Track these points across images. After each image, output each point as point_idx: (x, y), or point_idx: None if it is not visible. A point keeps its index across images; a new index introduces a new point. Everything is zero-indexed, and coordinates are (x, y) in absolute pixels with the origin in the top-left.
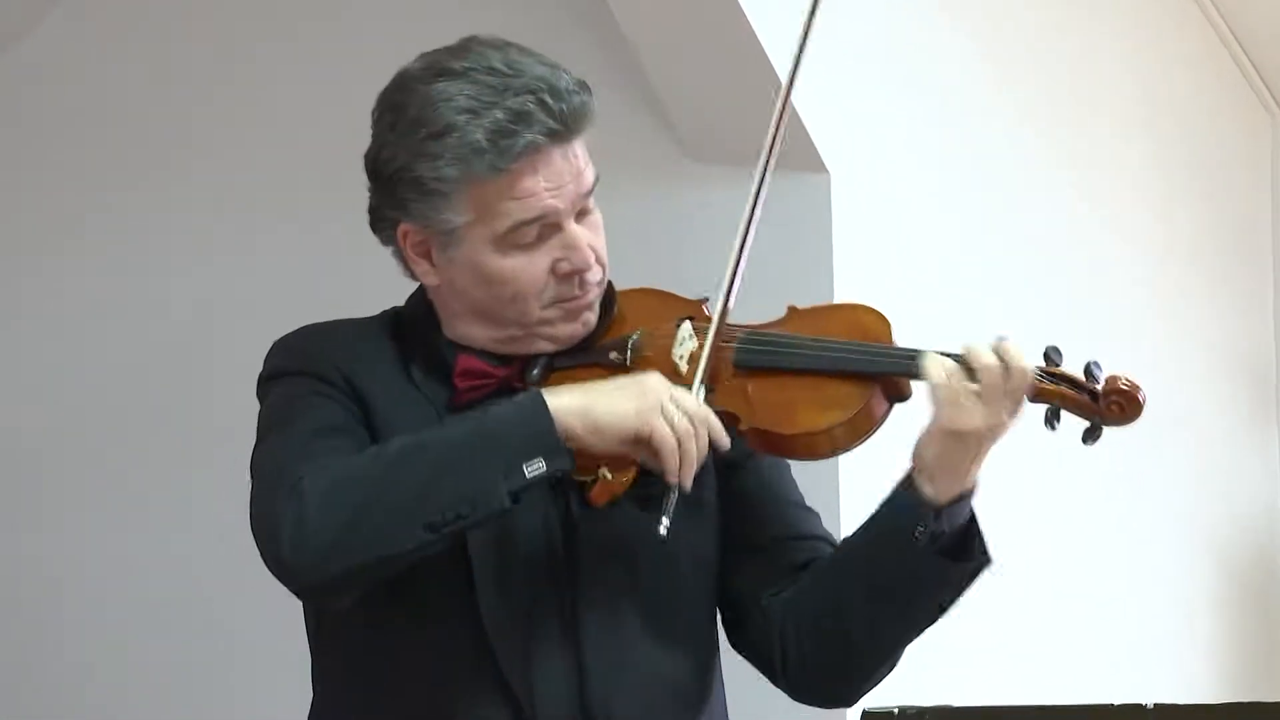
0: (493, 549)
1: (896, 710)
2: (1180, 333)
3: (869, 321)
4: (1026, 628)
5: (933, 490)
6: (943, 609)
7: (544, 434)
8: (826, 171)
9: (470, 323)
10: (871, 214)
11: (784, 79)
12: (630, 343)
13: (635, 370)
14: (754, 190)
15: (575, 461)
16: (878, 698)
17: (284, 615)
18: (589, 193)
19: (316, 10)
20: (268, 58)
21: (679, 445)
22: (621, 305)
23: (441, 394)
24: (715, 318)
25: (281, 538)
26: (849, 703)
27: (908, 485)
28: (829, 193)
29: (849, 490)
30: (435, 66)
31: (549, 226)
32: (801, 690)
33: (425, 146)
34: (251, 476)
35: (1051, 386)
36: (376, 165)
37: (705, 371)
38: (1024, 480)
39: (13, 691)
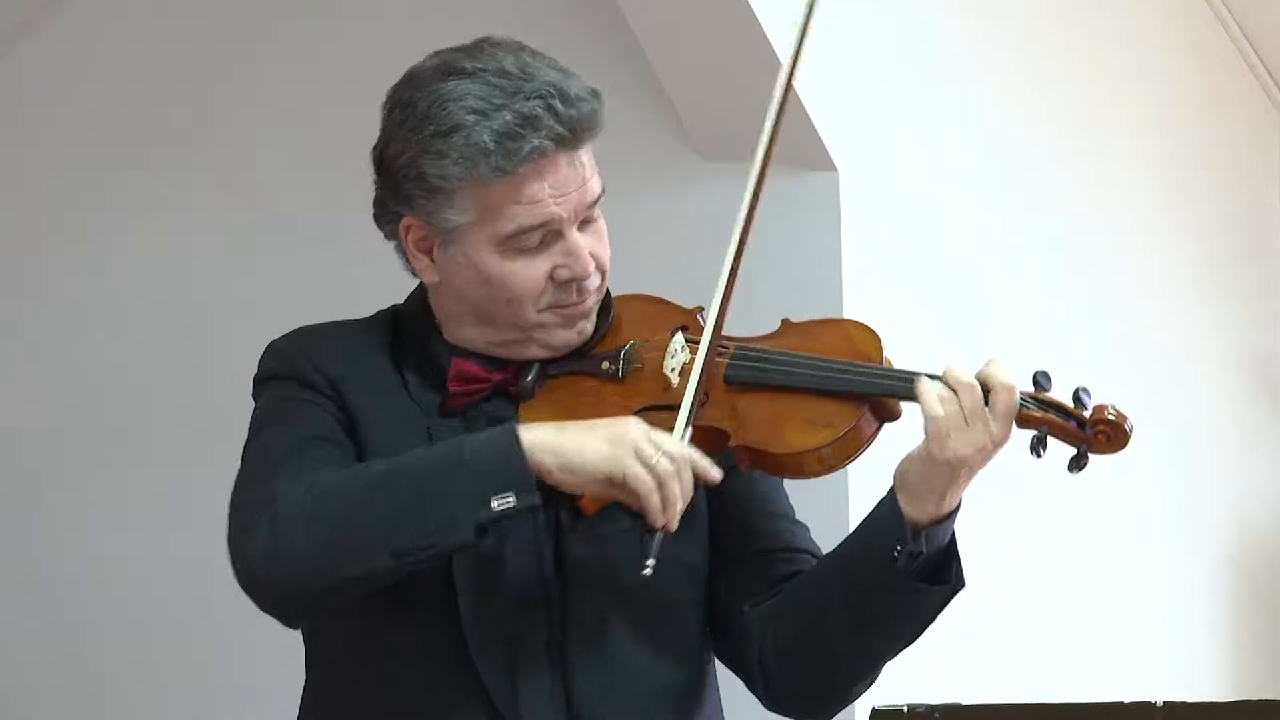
0: (476, 557)
1: (905, 708)
2: (1190, 331)
3: (860, 338)
4: (1036, 626)
5: (914, 510)
6: (918, 630)
7: (516, 470)
8: (835, 170)
9: (467, 323)
10: (881, 212)
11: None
12: (623, 353)
13: (627, 381)
14: (743, 212)
15: (544, 497)
16: (885, 695)
17: None
18: (594, 202)
19: (317, 10)
20: (268, 58)
21: (660, 487)
22: (618, 312)
23: (433, 399)
24: (705, 337)
25: (251, 553)
26: (825, 717)
27: (890, 504)
28: (838, 191)
29: (858, 505)
30: (447, 65)
31: (551, 233)
32: (777, 702)
33: (432, 144)
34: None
35: (1038, 413)
36: (384, 159)
37: (694, 400)
38: (1032, 479)
39: (13, 691)
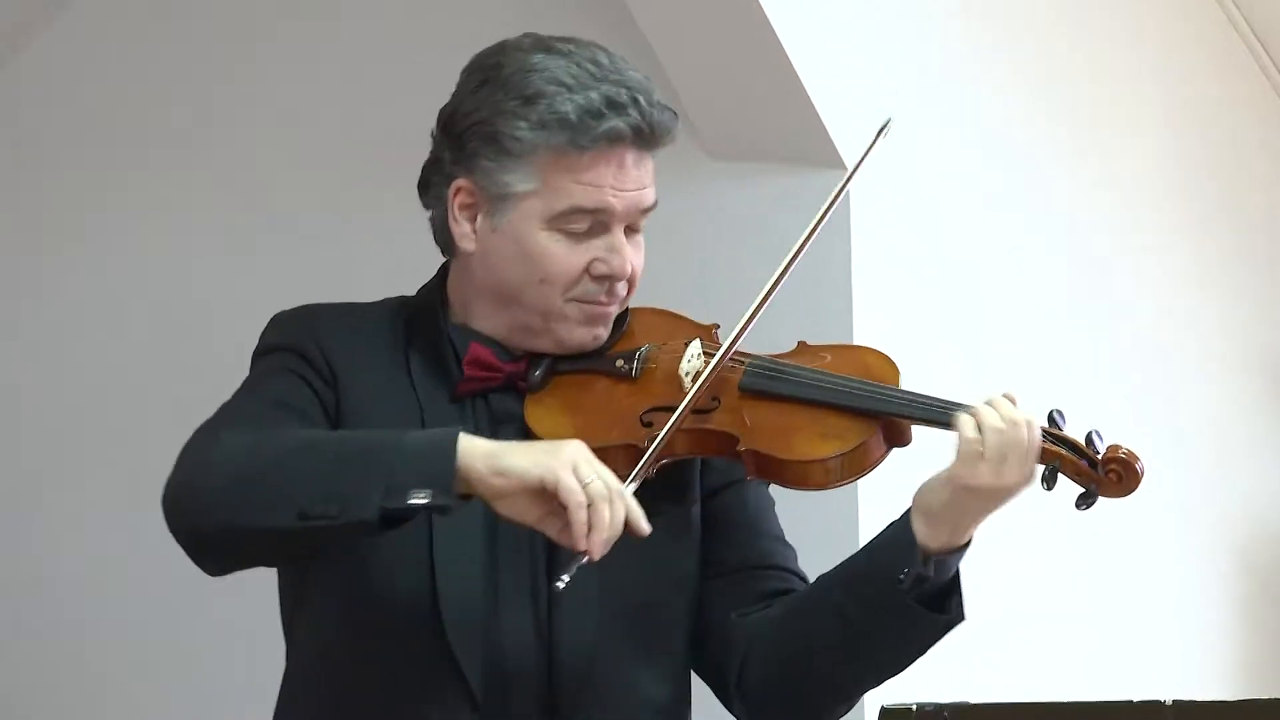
0: (462, 551)
1: (914, 707)
2: (1198, 331)
3: (878, 365)
4: (1045, 625)
5: (927, 535)
6: (904, 658)
7: (441, 471)
8: (844, 168)
9: (486, 305)
10: (889, 210)
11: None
12: (638, 354)
13: (639, 381)
14: (795, 248)
15: (456, 505)
16: (894, 695)
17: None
18: (646, 211)
19: (317, 10)
20: (268, 58)
21: (590, 506)
22: (632, 322)
23: (437, 384)
24: (727, 343)
25: (170, 482)
26: None
27: (903, 527)
28: (847, 189)
29: (868, 526)
30: (541, 43)
31: (600, 224)
32: (754, 713)
33: (513, 107)
34: None
35: (1052, 446)
36: (454, 116)
37: (694, 397)
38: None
39: (13, 691)
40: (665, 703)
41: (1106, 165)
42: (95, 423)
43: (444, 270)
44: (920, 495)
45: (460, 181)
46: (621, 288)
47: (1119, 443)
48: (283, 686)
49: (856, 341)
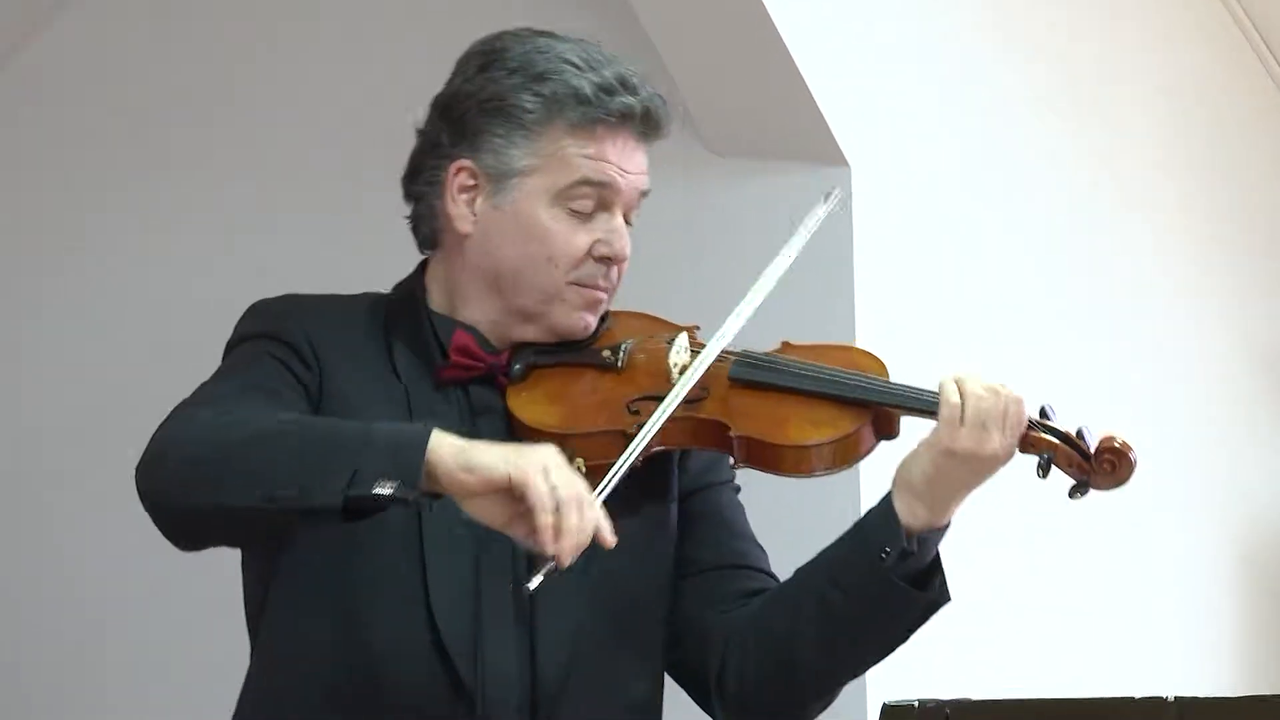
0: (446, 552)
1: (916, 704)
2: (1202, 327)
3: (866, 362)
4: (1048, 621)
5: (909, 512)
6: (892, 642)
7: (410, 463)
8: (847, 165)
9: (478, 291)
10: (892, 207)
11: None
12: (623, 346)
13: (625, 371)
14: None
15: (424, 499)
16: (896, 691)
17: None
18: (641, 197)
19: (317, 10)
20: (268, 58)
21: (556, 510)
22: (612, 323)
23: (421, 373)
24: (724, 325)
25: (150, 454)
26: None
27: (884, 507)
28: (849, 186)
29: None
30: (541, 32)
31: (604, 201)
32: (736, 712)
33: (522, 82)
34: None
35: (1045, 437)
36: (454, 97)
37: (688, 384)
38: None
39: (13, 691)
40: (644, 701)
41: (1108, 165)
42: (95, 423)
43: (421, 267)
44: (902, 468)
45: (462, 162)
46: (614, 273)
47: (1113, 434)
48: (248, 687)
49: (858, 341)
